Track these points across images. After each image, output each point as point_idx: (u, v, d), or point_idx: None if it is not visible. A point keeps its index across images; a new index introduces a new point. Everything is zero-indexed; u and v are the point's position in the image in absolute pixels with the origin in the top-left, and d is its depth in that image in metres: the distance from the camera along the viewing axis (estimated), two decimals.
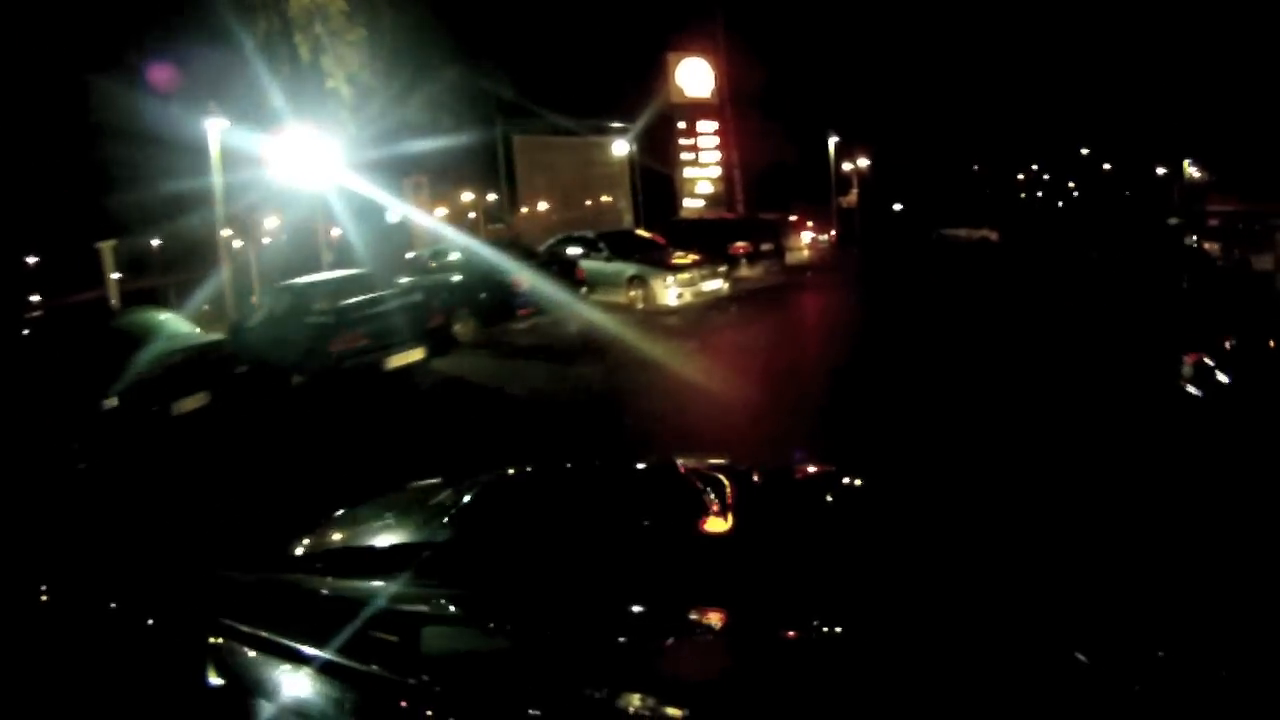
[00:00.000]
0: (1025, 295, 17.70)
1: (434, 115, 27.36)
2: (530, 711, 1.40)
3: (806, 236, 24.79)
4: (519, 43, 33.42)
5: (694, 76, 36.90)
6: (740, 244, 20.72)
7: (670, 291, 16.84)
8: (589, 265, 17.82)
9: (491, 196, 33.94)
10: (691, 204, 35.55)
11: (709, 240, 20.88)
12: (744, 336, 14.14)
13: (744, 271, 20.48)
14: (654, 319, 16.06)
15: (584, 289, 16.27)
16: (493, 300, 15.03)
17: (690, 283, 17.03)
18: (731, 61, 37.93)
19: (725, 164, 37.22)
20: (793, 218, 25.84)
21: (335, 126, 22.75)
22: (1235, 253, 20.51)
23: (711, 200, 35.94)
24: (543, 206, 31.76)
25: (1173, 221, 27.01)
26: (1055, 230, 38.03)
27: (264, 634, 1.65)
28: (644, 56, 37.70)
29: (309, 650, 1.57)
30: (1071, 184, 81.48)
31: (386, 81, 25.98)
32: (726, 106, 38.13)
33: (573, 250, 18.66)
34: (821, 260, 25.54)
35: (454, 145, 27.67)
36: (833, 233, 25.82)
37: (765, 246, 21.49)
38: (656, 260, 17.80)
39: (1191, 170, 52.06)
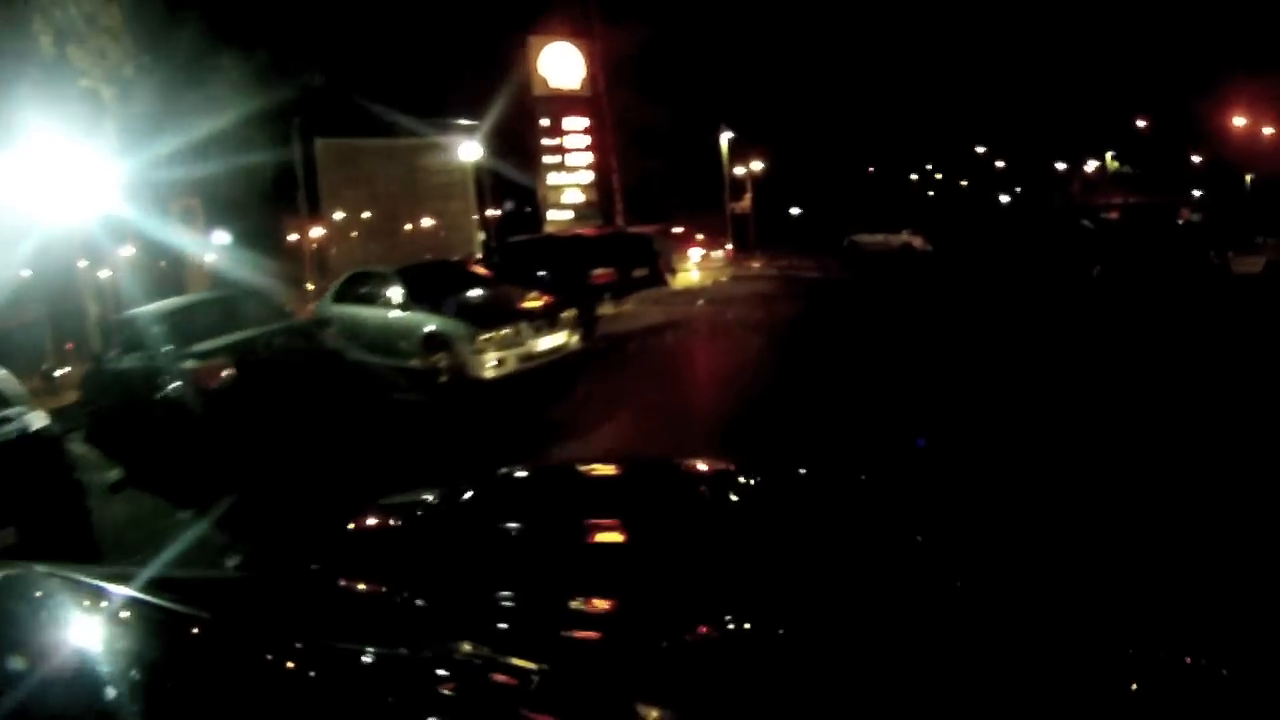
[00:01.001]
0: (1026, 343, 10.82)
1: (214, 118, 20.63)
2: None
3: (695, 254, 18.91)
4: (333, 22, 26.83)
5: (560, 64, 30.93)
6: (602, 271, 14.80)
7: (485, 358, 10.75)
8: (369, 318, 11.77)
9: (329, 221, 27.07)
10: (557, 216, 29.54)
11: (563, 267, 14.91)
12: (580, 439, 7.97)
13: (608, 309, 14.59)
14: (449, 402, 10.06)
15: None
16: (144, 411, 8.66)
17: (515, 341, 10.94)
18: (607, 47, 32.19)
19: (599, 168, 31.36)
20: (677, 230, 20.00)
21: (98, 138, 16.80)
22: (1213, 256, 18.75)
23: (583, 211, 30.00)
24: (372, 222, 24.99)
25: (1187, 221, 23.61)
26: (1010, 236, 33.24)
27: None
28: (498, 40, 31.58)
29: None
30: (964, 183, 79.59)
31: (153, 77, 19.48)
32: (602, 100, 32.33)
33: (362, 291, 12.59)
34: (716, 284, 19.81)
35: (241, 155, 21.18)
36: (729, 247, 20.21)
37: (639, 272, 15.64)
38: (475, 308, 11.73)
39: (1115, 163, 49.15)
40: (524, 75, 30.41)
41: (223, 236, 23.62)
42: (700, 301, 17.84)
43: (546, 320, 11.56)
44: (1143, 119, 50.81)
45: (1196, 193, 48.06)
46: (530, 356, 11.18)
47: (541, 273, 14.49)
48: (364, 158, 24.22)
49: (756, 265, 27.53)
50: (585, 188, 30.43)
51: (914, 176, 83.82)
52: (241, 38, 21.70)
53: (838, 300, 18.21)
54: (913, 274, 24.65)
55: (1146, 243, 18.99)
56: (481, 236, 26.29)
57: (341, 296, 13.13)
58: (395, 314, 12.06)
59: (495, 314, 11.37)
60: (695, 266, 18.98)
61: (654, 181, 34.97)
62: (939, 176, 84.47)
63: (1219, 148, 47.94)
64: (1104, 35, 53.45)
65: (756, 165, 52.83)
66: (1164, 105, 48.48)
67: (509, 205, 37.16)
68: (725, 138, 36.00)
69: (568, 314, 11.94)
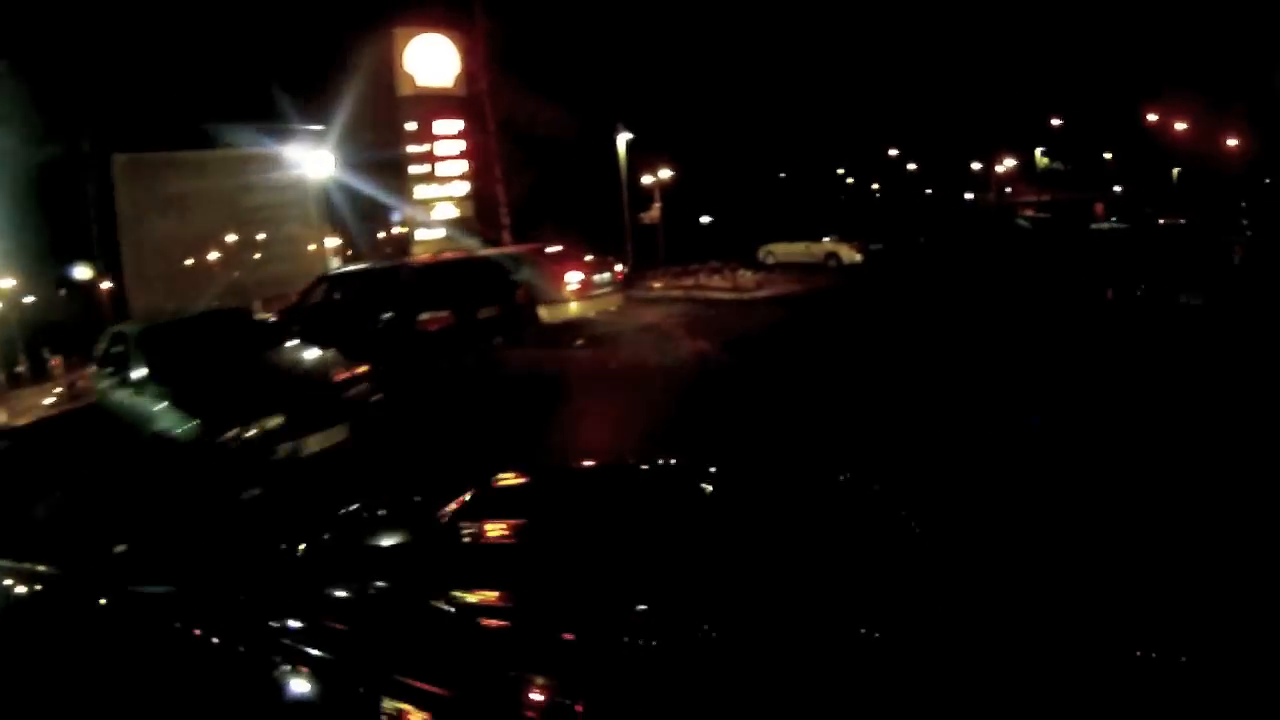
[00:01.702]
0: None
1: None
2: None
3: (574, 277, 15.08)
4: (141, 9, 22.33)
5: (430, 59, 26.81)
6: (433, 315, 10.84)
7: None
8: (117, 400, 8.19)
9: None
10: (428, 236, 25.42)
11: (380, 311, 10.95)
12: None
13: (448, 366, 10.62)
14: None
15: None
16: None
17: (265, 443, 7.01)
18: (489, 40, 28.17)
19: (478, 178, 27.34)
20: (553, 249, 16.17)
21: None
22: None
23: (458, 228, 25.93)
24: (183, 254, 20.38)
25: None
26: (952, 241, 30.34)
27: None
28: (356, 32, 27.26)
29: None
30: (875, 185, 78.10)
31: None
32: (483, 101, 28.30)
33: (116, 360, 8.83)
34: (603, 315, 16.01)
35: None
36: (619, 268, 16.44)
37: (487, 311, 11.73)
38: (226, 391, 7.84)
39: (1045, 159, 47.28)
40: (389, 73, 26.26)
41: None
42: (579, 342, 13.99)
43: (326, 405, 7.62)
44: (1057, 117, 49.22)
45: (1117, 188, 46.86)
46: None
47: (370, 317, 10.53)
48: (176, 175, 19.68)
49: (658, 285, 23.87)
50: (460, 201, 26.34)
51: (849, 177, 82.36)
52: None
53: (756, 334, 14.59)
54: (852, 291, 21.48)
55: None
56: (334, 264, 21.97)
57: (104, 363, 9.47)
58: (131, 397, 8.18)
59: (248, 402, 7.41)
60: (573, 295, 15.10)
61: (546, 192, 31.09)
62: (850, 181, 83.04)
63: (1139, 143, 47.04)
64: (1016, 33, 52.05)
65: (665, 173, 50.13)
66: (1079, 103, 47.21)
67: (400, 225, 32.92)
68: (623, 139, 32.33)
69: (359, 389, 7.99)
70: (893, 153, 73.39)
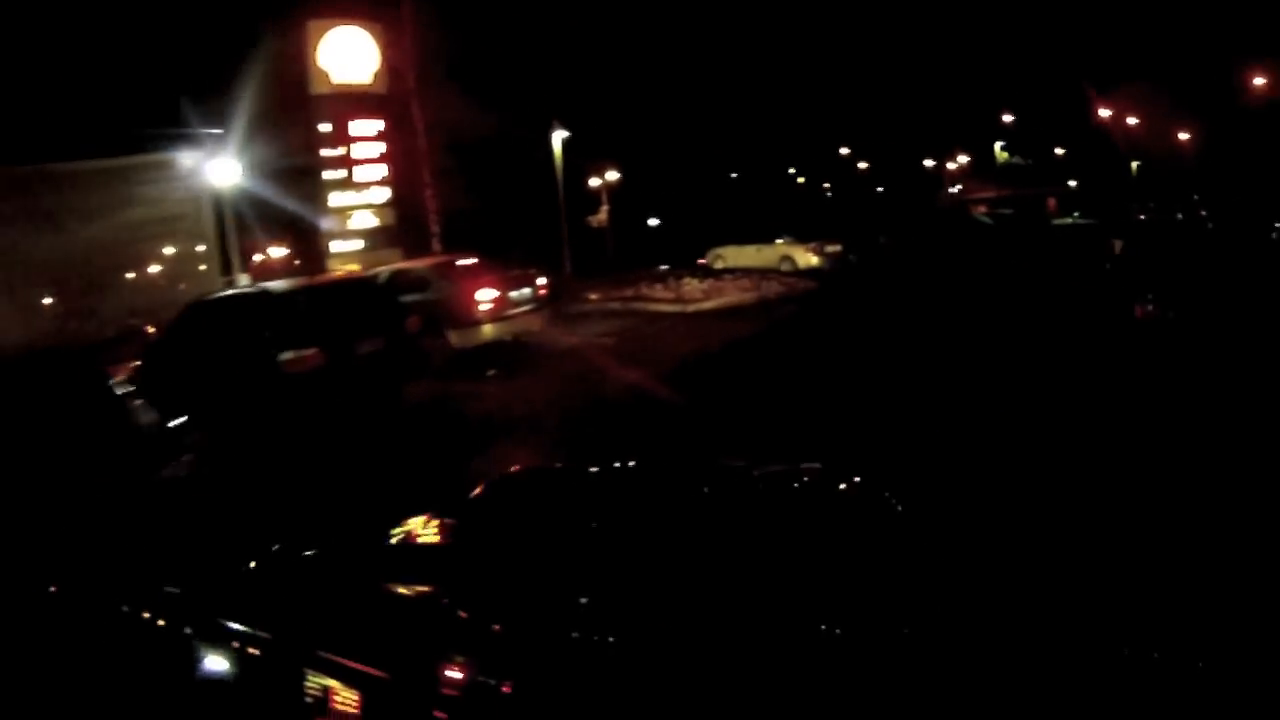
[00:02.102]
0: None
1: None
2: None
3: (486, 295, 13.11)
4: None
5: (348, 54, 24.60)
6: (295, 355, 8.83)
7: None
8: None
9: None
10: (344, 248, 23.25)
11: (235, 349, 8.94)
12: None
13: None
14: None
15: None
16: None
17: None
18: (416, 34, 26.03)
19: (401, 183, 25.23)
20: (467, 260, 14.24)
21: None
22: None
23: (377, 240, 23.82)
24: (45, 279, 17.93)
25: None
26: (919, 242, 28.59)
27: None
28: (264, 24, 24.93)
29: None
30: (826, 185, 77.02)
31: None
32: (411, 99, 26.19)
33: None
34: (525, 335, 14.03)
35: None
36: (542, 281, 14.31)
37: (369, 346, 9.72)
38: None
39: (1005, 154, 46.30)
40: (300, 70, 24.04)
41: None
42: (490, 373, 12.00)
43: None
44: (1009, 113, 48.31)
45: (1072, 182, 46.04)
46: None
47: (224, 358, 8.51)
48: (50, 189, 17.28)
49: (594, 297, 21.90)
50: (380, 209, 24.19)
51: (800, 176, 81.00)
52: None
53: (701, 360, 12.71)
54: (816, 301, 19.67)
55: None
56: (245, 282, 19.73)
57: None
58: None
59: None
60: (485, 315, 13.14)
61: (481, 198, 29.03)
62: (801, 180, 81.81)
63: (1095, 137, 46.34)
64: (968, 29, 51.09)
65: (611, 174, 48.26)
66: (1032, 98, 46.31)
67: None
68: (559, 137, 30.46)
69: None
70: (844, 151, 72.35)
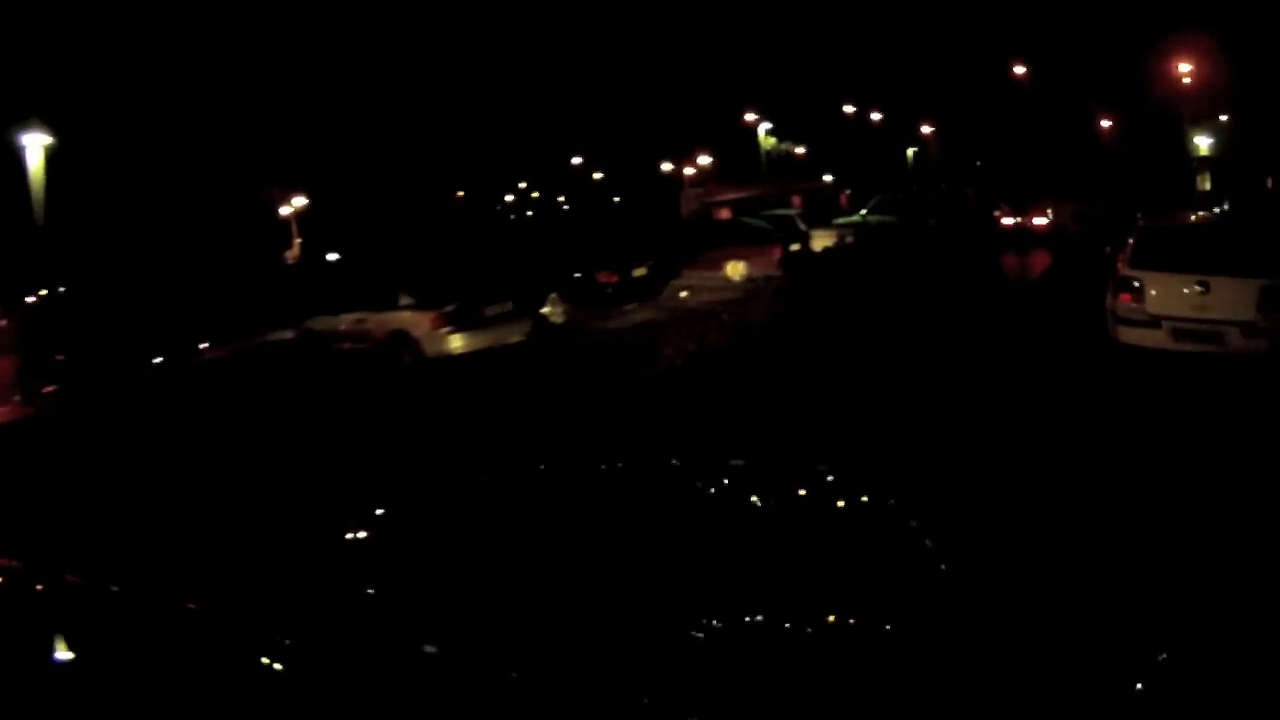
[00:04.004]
0: None
1: None
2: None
3: None
4: None
5: None
6: None
7: None
8: None
9: None
10: None
11: None
12: None
13: None
14: None
15: None
16: None
17: None
18: None
19: None
20: None
21: None
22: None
23: None
24: None
25: None
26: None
27: None
28: None
29: None
30: (562, 199, 71.90)
31: None
32: None
33: None
34: None
35: None
36: None
37: None
38: None
39: (771, 139, 41.52)
40: None
41: None
42: None
43: None
44: (752, 112, 44.07)
45: (828, 177, 42.57)
46: None
47: None
48: None
49: None
50: None
51: (509, 198, 74.56)
52: None
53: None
54: None
55: None
56: None
57: None
58: None
59: None
60: None
61: None
62: (535, 195, 75.78)
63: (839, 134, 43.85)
64: (699, 31, 46.87)
65: (300, 200, 39.43)
66: (777, 97, 42.51)
67: None
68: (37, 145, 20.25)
69: None
70: (576, 161, 66.62)
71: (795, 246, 23.24)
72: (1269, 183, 28.14)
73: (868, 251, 24.14)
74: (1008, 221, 26.66)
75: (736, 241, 21.64)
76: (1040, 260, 21.94)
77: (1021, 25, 39.68)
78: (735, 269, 20.03)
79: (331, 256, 27.53)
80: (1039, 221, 26.03)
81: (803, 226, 24.90)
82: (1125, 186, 26.74)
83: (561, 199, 71.52)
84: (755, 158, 41.33)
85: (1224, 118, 33.92)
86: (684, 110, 45.19)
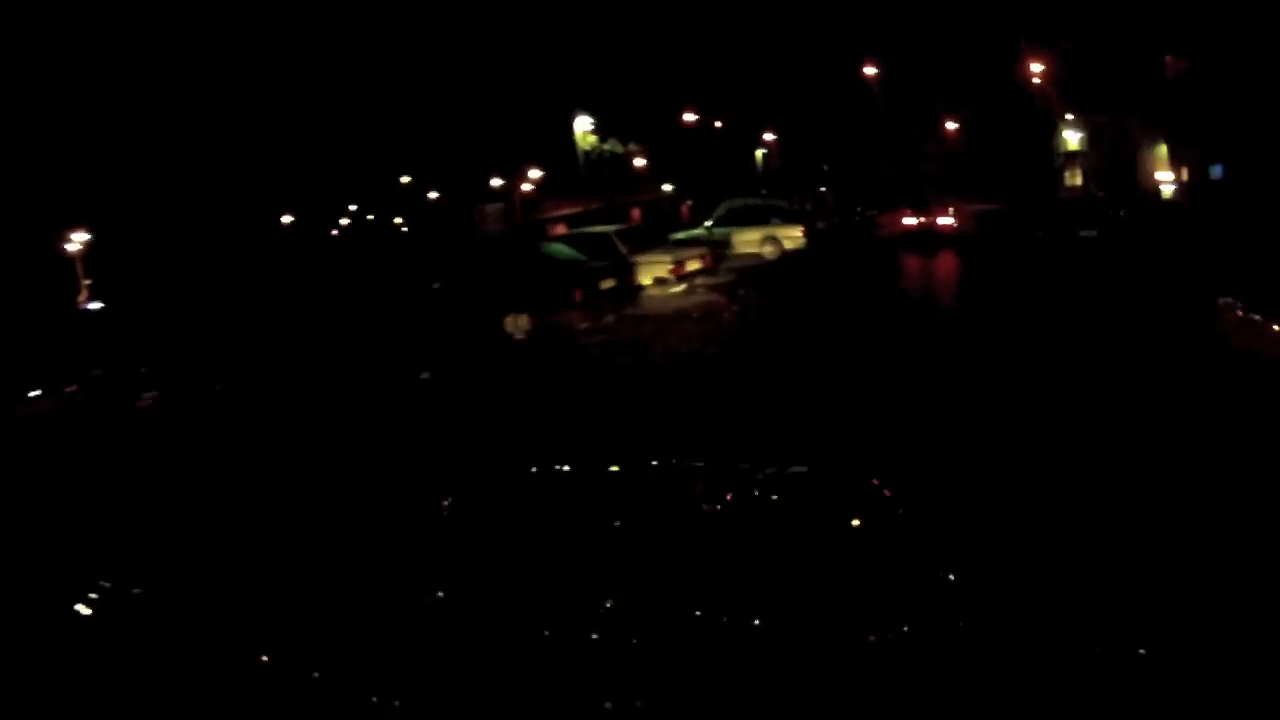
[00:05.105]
0: None
1: None
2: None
3: None
4: None
5: None
6: None
7: None
8: None
9: None
10: None
11: None
12: None
13: None
14: None
15: None
16: None
17: None
18: None
19: None
20: None
21: None
22: None
23: None
24: None
25: None
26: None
27: None
28: None
29: None
30: (399, 220, 68.34)
31: None
32: None
33: None
34: None
35: None
36: None
37: None
38: None
39: (593, 138, 39.59)
40: None
41: None
42: None
43: None
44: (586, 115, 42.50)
45: (667, 187, 41.57)
46: None
47: None
48: None
49: None
50: None
51: (344, 221, 70.31)
52: None
53: None
54: None
55: None
56: None
57: None
58: None
59: None
60: None
61: None
62: (370, 217, 71.72)
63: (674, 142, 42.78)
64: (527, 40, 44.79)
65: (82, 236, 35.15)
66: (608, 103, 41.14)
67: None
68: None
69: None
70: (405, 180, 63.21)
71: (608, 283, 18.09)
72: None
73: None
74: (909, 222, 26.20)
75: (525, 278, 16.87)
76: (952, 261, 22.07)
77: (869, 27, 39.29)
78: (516, 323, 15.89)
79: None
80: (944, 222, 25.68)
81: (623, 249, 19.77)
82: (1011, 186, 26.93)
83: (400, 220, 67.97)
84: (574, 162, 39.21)
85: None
86: (513, 121, 43.04)
